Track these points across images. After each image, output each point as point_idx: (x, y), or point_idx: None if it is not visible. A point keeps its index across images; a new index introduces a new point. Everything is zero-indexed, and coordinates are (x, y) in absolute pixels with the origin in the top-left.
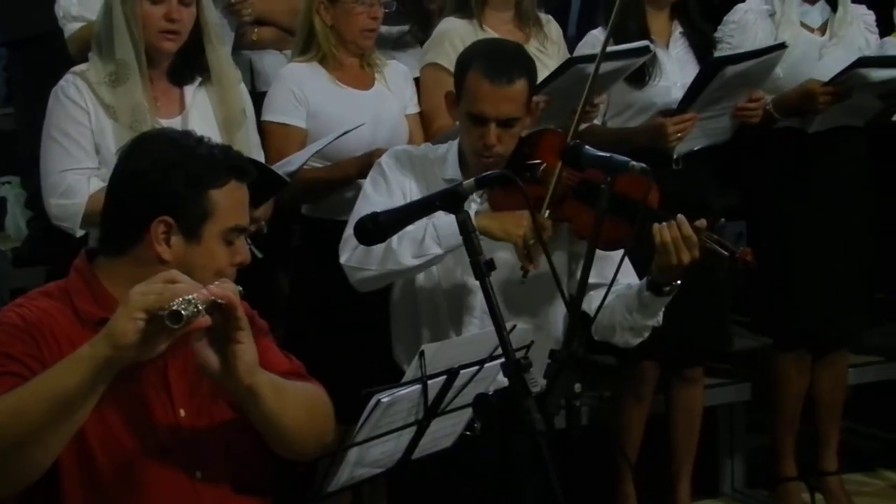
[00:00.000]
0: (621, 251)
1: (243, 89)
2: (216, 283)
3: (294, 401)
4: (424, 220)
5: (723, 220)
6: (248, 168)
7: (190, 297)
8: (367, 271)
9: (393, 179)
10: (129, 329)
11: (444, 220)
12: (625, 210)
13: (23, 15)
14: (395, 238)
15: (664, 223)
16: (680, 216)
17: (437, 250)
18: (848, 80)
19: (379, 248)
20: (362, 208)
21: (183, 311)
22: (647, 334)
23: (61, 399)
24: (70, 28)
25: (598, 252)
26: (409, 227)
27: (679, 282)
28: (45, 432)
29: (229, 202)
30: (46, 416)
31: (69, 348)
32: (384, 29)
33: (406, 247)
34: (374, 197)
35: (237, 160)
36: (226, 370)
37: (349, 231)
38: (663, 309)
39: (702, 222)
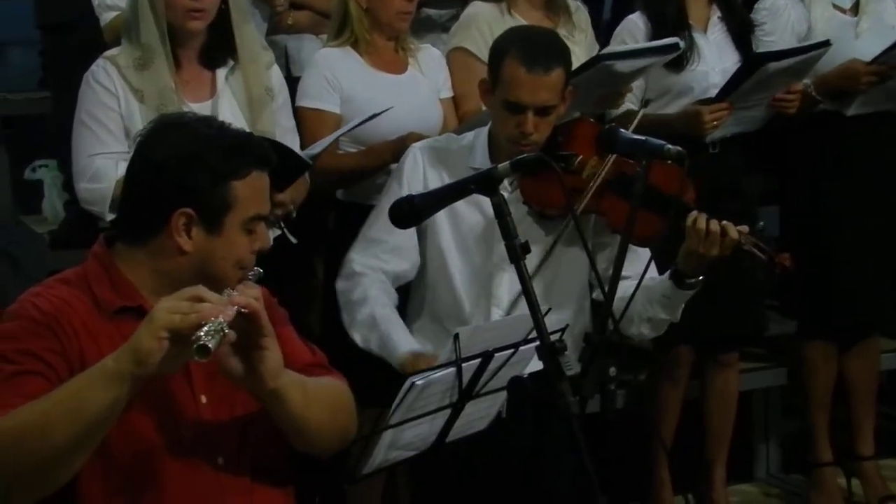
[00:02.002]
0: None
1: (276, 71)
2: (238, 289)
3: (317, 400)
4: (396, 326)
5: (762, 223)
6: (269, 155)
7: (216, 322)
8: (342, 312)
9: (406, 184)
10: (154, 347)
11: (396, 343)
12: (660, 205)
13: None
14: (366, 308)
15: (701, 213)
16: (726, 223)
17: (371, 349)
18: (890, 60)
19: (357, 306)
20: (374, 221)
21: (210, 345)
22: (663, 329)
23: (86, 414)
24: (105, 17)
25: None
26: (383, 314)
27: (702, 278)
28: (70, 446)
29: (251, 192)
30: (71, 431)
31: (88, 338)
32: (433, 12)
33: (362, 325)
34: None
35: (259, 148)
36: (250, 375)
37: (350, 254)
38: (682, 307)
39: (744, 228)
